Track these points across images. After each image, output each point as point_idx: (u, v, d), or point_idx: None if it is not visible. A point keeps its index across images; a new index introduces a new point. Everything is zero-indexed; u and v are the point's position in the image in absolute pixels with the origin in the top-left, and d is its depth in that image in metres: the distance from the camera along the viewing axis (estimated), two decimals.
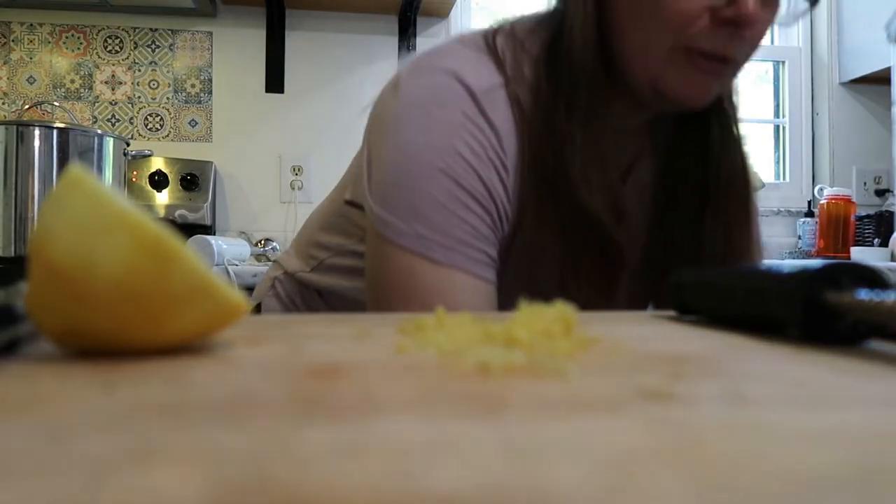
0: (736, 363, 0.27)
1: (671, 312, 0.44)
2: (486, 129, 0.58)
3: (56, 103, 1.98)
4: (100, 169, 1.61)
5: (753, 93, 2.53)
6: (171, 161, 2.00)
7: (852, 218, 2.19)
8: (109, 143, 1.63)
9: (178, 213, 1.96)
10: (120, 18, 2.10)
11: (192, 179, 1.98)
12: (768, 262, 2.16)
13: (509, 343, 0.28)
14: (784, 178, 2.45)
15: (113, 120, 2.09)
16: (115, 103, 2.10)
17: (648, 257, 0.68)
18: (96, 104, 2.09)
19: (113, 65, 2.10)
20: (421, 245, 0.56)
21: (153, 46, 2.12)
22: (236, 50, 2.14)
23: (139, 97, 2.11)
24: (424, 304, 0.54)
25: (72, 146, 1.56)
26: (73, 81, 2.08)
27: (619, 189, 0.65)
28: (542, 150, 0.59)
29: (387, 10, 2.18)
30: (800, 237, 2.30)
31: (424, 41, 2.25)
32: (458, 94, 0.58)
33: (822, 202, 2.22)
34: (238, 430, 0.17)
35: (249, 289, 1.42)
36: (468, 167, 0.57)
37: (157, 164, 1.98)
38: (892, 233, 2.02)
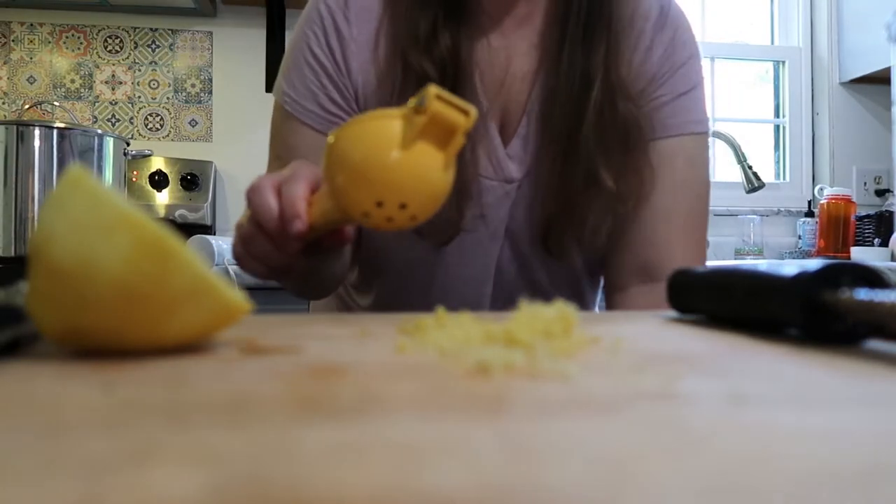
0: (736, 363, 0.27)
1: (671, 312, 0.44)
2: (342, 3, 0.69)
3: (56, 103, 1.98)
4: (100, 169, 1.61)
5: (753, 93, 2.53)
6: (171, 161, 2.00)
7: (852, 218, 2.19)
8: (109, 143, 1.63)
9: (178, 213, 1.96)
10: (120, 18, 2.10)
11: (192, 179, 1.98)
12: (767, 262, 2.16)
13: (509, 343, 0.28)
14: (784, 178, 2.45)
15: (113, 120, 2.09)
16: (115, 103, 2.10)
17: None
18: (96, 104, 2.09)
19: (113, 65, 2.10)
20: (283, 100, 0.71)
21: (153, 46, 2.12)
22: (236, 50, 2.14)
23: (139, 97, 2.11)
24: (280, 144, 0.72)
25: (72, 146, 1.56)
26: (73, 81, 2.08)
27: (460, 56, 0.66)
28: (396, 21, 0.67)
29: None
30: (800, 237, 2.30)
31: None
32: None
33: (822, 202, 2.22)
34: (238, 430, 0.17)
35: (249, 289, 1.42)
36: (321, 32, 0.69)
37: (157, 163, 1.98)
38: (892, 233, 2.02)
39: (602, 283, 0.78)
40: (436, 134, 0.43)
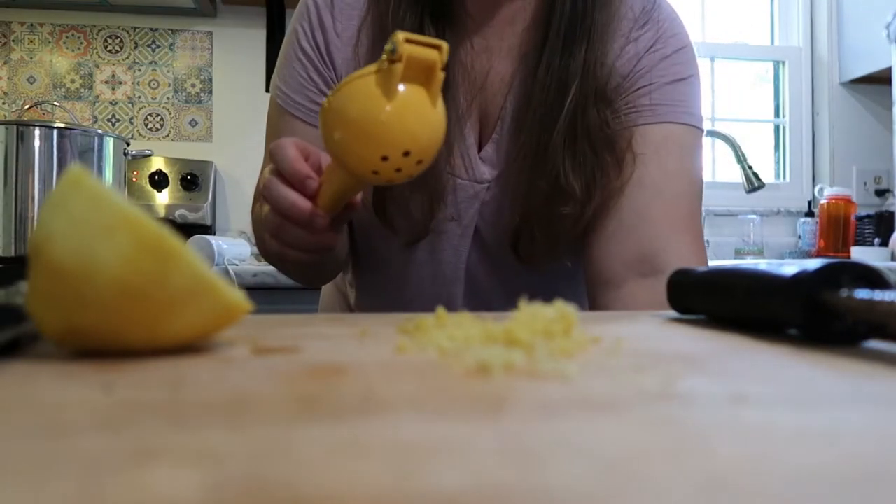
0: (736, 363, 0.27)
1: (671, 312, 0.44)
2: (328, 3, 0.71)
3: (56, 103, 1.98)
4: (100, 169, 1.61)
5: (753, 93, 2.53)
6: (171, 161, 2.00)
7: (852, 218, 2.19)
8: (109, 143, 1.63)
9: (178, 212, 1.96)
10: (120, 18, 2.10)
11: (192, 179, 1.98)
12: (767, 262, 2.16)
13: (509, 343, 0.28)
14: (784, 178, 2.45)
15: (113, 120, 2.09)
16: (116, 103, 2.10)
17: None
18: (96, 104, 2.09)
19: (113, 65, 2.10)
20: (276, 94, 0.73)
21: (153, 46, 2.12)
22: (236, 50, 2.14)
23: (139, 97, 2.11)
24: (274, 138, 0.69)
25: (72, 146, 1.56)
26: (73, 81, 2.08)
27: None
28: (382, 18, 0.69)
29: None
30: (800, 237, 2.30)
31: None
32: None
33: (822, 202, 2.22)
34: (238, 430, 0.17)
35: (249, 289, 1.42)
36: (308, 27, 0.71)
37: (157, 163, 1.98)
38: (892, 233, 2.02)
39: (585, 283, 0.72)
40: (416, 76, 0.44)
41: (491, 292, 0.74)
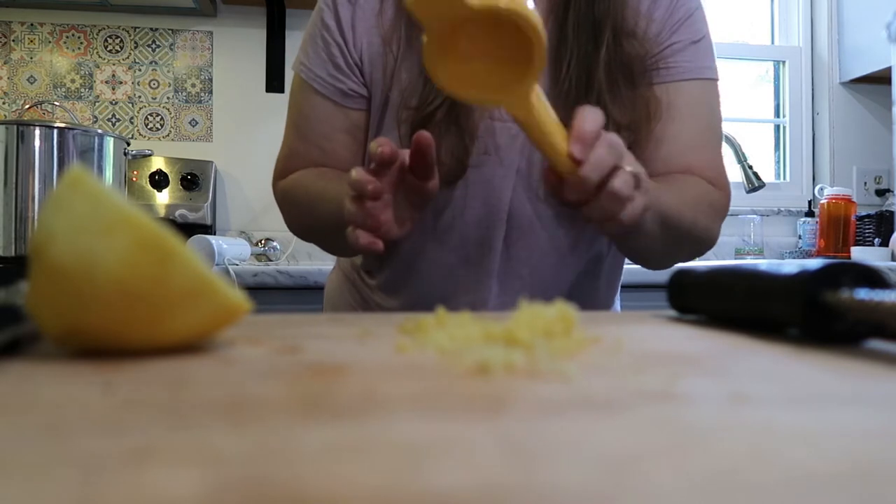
0: (736, 363, 0.27)
1: (671, 312, 0.44)
2: None
3: (56, 103, 1.98)
4: (100, 169, 1.61)
5: (753, 93, 2.53)
6: (172, 161, 1.99)
7: (852, 218, 2.18)
8: (110, 143, 1.63)
9: (178, 212, 1.96)
10: (120, 18, 2.09)
11: (193, 179, 1.98)
12: (767, 262, 2.16)
13: (509, 343, 0.28)
14: (784, 178, 2.45)
15: (113, 120, 2.09)
16: (116, 103, 2.10)
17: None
18: (96, 104, 2.09)
19: (113, 64, 2.10)
20: (299, 68, 0.80)
21: (153, 46, 2.12)
22: (236, 50, 2.14)
23: (139, 97, 2.10)
24: (296, 112, 0.80)
25: (72, 146, 1.56)
26: (73, 81, 2.08)
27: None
28: None
29: None
30: (800, 237, 2.30)
31: None
32: None
33: (822, 202, 2.21)
34: (238, 430, 0.17)
35: (249, 289, 1.42)
36: (333, 3, 0.76)
37: (158, 163, 1.98)
38: (892, 233, 2.02)
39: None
40: None
41: (533, 234, 0.75)
